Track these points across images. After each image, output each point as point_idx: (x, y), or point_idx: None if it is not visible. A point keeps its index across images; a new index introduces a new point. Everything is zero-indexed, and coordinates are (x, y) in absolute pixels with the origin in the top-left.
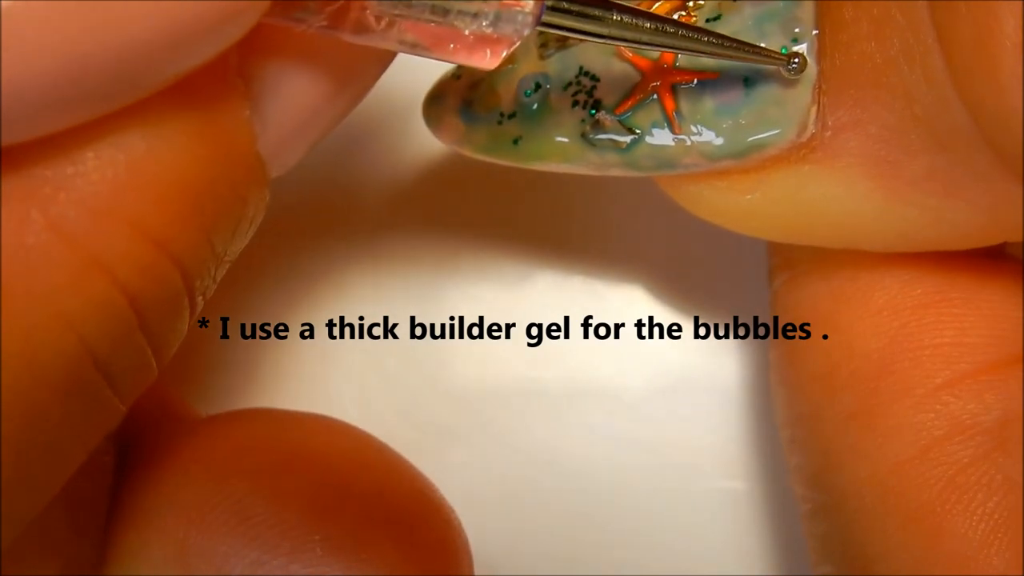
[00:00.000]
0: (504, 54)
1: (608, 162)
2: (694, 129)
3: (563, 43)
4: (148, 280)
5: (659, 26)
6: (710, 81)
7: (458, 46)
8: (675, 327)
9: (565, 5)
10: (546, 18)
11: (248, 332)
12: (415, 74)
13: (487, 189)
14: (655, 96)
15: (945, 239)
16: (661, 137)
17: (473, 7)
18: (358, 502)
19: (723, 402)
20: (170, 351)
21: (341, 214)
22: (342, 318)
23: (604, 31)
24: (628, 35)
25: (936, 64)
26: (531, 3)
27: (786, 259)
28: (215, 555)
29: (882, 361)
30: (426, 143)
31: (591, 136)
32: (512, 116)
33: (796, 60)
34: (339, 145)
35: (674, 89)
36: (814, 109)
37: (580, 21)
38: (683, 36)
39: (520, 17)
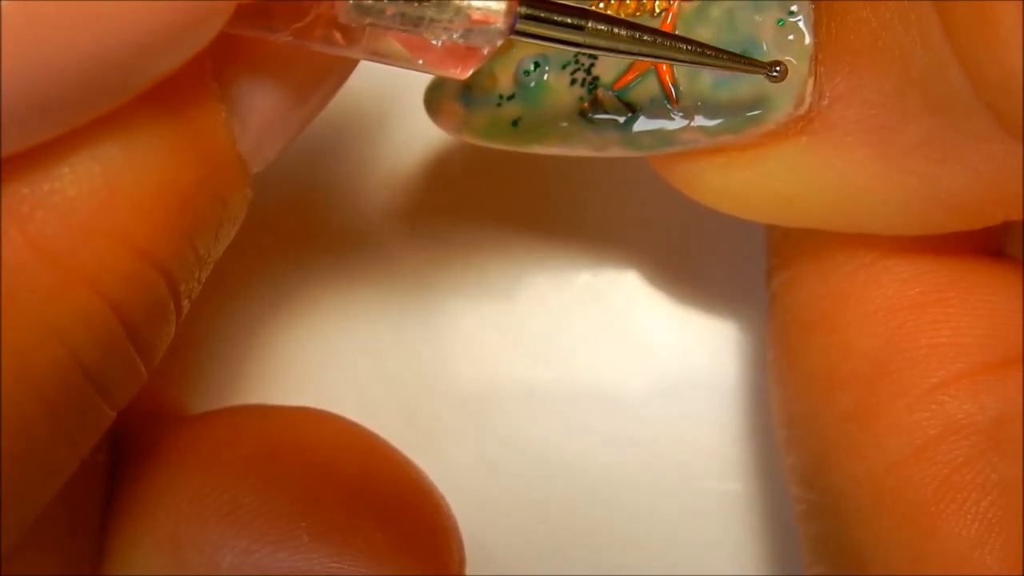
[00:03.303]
0: (476, 66)
1: (607, 140)
2: (692, 103)
3: None
4: (133, 289)
5: (635, 34)
6: None
7: (429, 57)
8: (675, 327)
9: (540, 14)
10: (521, 27)
11: (248, 332)
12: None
13: (488, 189)
14: (652, 70)
15: (945, 213)
16: (659, 112)
17: (445, 18)
18: (346, 490)
19: (723, 402)
20: (158, 355)
21: (341, 213)
22: (342, 319)
23: (580, 40)
24: (604, 44)
25: (932, 25)
26: (502, 17)
27: (784, 259)
28: (206, 545)
29: (879, 361)
30: (427, 140)
31: (590, 114)
32: (511, 98)
33: (778, 68)
34: (337, 143)
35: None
36: (811, 81)
37: (556, 30)
38: (661, 44)
39: (492, 29)
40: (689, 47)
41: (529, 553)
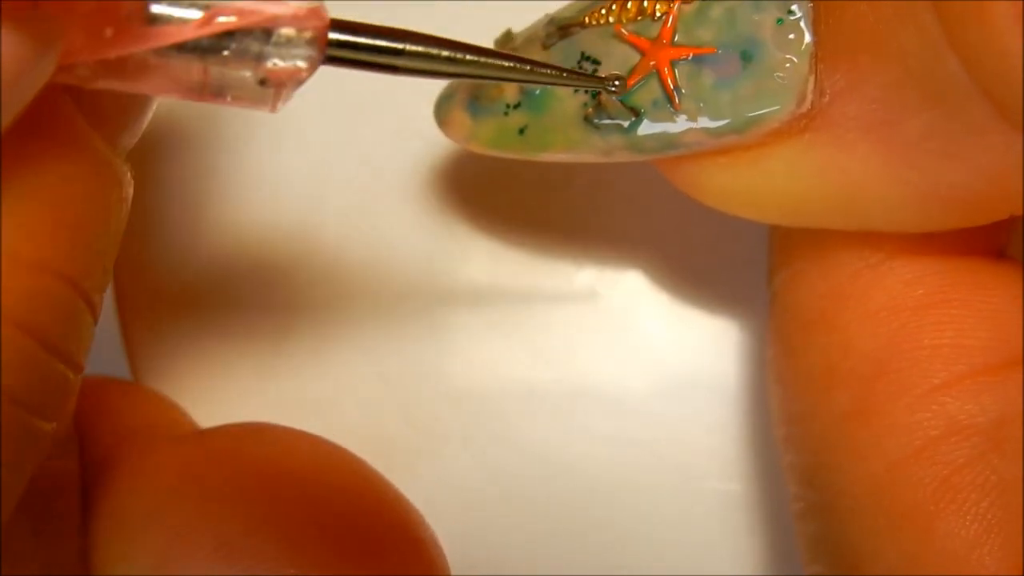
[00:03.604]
0: (285, 100)
1: (612, 145)
2: (694, 105)
3: (566, 33)
4: (39, 305)
5: (458, 55)
6: (708, 56)
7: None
8: (675, 327)
9: (353, 40)
10: (336, 53)
11: (247, 333)
12: None
13: (489, 189)
14: (654, 73)
15: (947, 208)
16: (662, 115)
17: (251, 52)
18: (334, 529)
19: (723, 402)
20: (83, 358)
21: (343, 212)
22: (342, 318)
23: (401, 64)
24: (426, 67)
25: (928, 17)
26: (306, 60)
27: (787, 258)
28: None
29: (880, 361)
30: (428, 141)
31: (594, 120)
32: (517, 106)
33: (616, 83)
34: (339, 143)
35: (673, 66)
36: (812, 79)
37: (372, 56)
38: (486, 65)
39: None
40: (519, 64)
41: (529, 553)
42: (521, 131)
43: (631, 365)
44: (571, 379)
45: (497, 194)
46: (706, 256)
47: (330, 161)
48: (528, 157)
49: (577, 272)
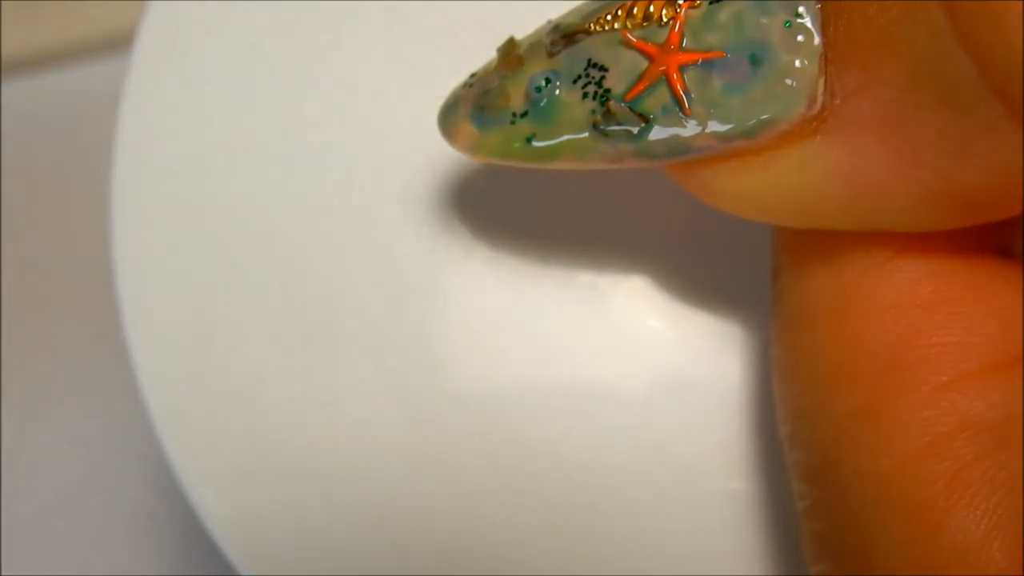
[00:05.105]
0: None
1: (621, 152)
2: (704, 110)
3: (571, 40)
4: None
5: None
6: (717, 60)
7: None
8: (677, 326)
9: None
10: None
11: (245, 331)
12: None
13: (491, 189)
14: (663, 79)
15: (961, 207)
16: (672, 120)
17: None
18: None
19: (725, 401)
20: None
21: (342, 211)
22: (341, 317)
23: None
24: None
25: (938, 17)
26: None
27: (793, 257)
28: None
29: (889, 358)
30: (431, 143)
31: (603, 126)
32: (524, 115)
33: None
34: (336, 140)
35: (681, 71)
36: (822, 80)
37: None
38: None
39: None
40: None
41: (530, 552)
42: (528, 140)
43: (632, 365)
44: (571, 379)
45: (498, 193)
46: (706, 255)
47: (329, 159)
48: (537, 166)
49: (577, 272)
